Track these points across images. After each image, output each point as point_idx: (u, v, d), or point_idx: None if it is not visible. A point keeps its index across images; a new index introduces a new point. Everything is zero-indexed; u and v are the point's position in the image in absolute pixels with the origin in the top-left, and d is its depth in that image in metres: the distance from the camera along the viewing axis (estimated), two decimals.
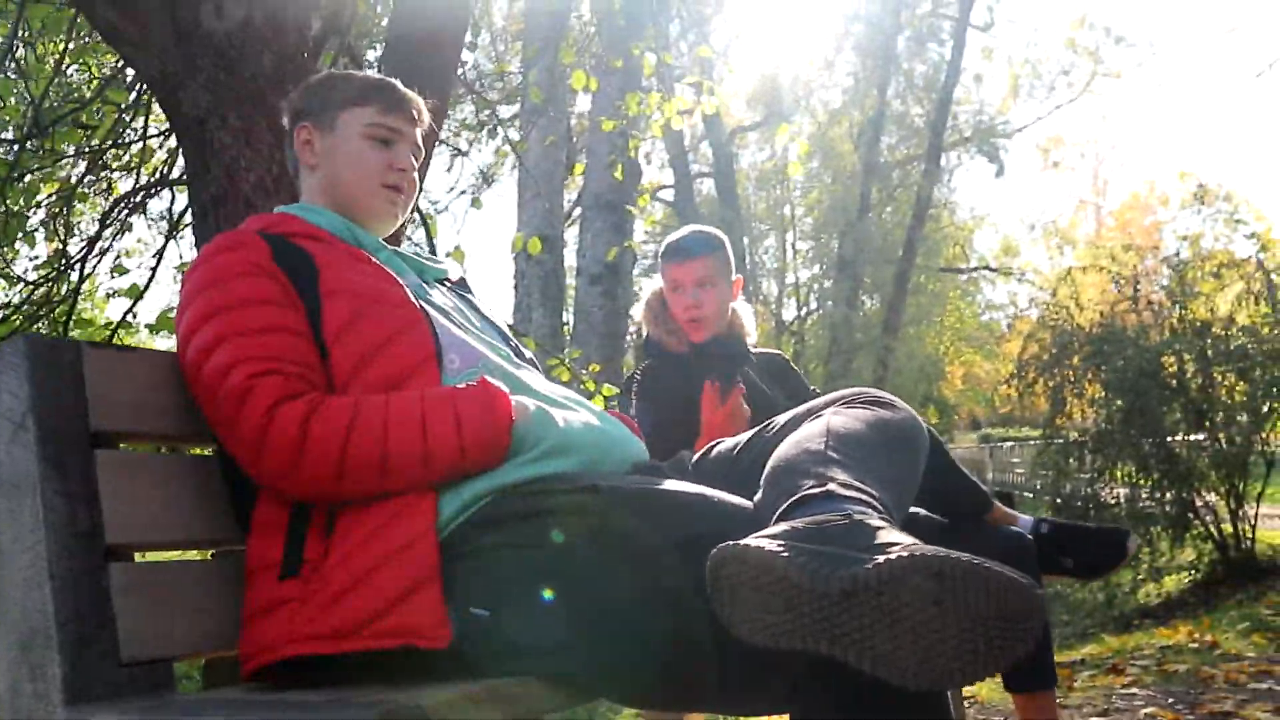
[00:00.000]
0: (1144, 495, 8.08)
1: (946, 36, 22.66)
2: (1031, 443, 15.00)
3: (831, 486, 1.40)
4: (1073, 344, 8.66)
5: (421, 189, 2.20)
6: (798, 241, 29.66)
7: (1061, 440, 8.91)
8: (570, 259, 14.57)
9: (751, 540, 1.28)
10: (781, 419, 1.76)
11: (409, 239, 4.41)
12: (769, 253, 30.00)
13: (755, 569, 1.25)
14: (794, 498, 1.40)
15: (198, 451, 1.90)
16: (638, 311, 3.16)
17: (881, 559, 1.20)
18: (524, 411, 1.65)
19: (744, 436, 1.84)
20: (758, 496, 1.51)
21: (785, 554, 1.23)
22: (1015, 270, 26.82)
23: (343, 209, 1.91)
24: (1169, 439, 7.89)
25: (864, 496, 1.39)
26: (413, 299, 1.76)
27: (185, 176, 3.02)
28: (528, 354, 1.97)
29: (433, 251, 4.73)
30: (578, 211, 15.77)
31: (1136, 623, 7.41)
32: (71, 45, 4.22)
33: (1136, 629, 6.88)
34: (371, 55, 5.80)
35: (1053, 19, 41.50)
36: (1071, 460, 8.72)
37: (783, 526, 1.32)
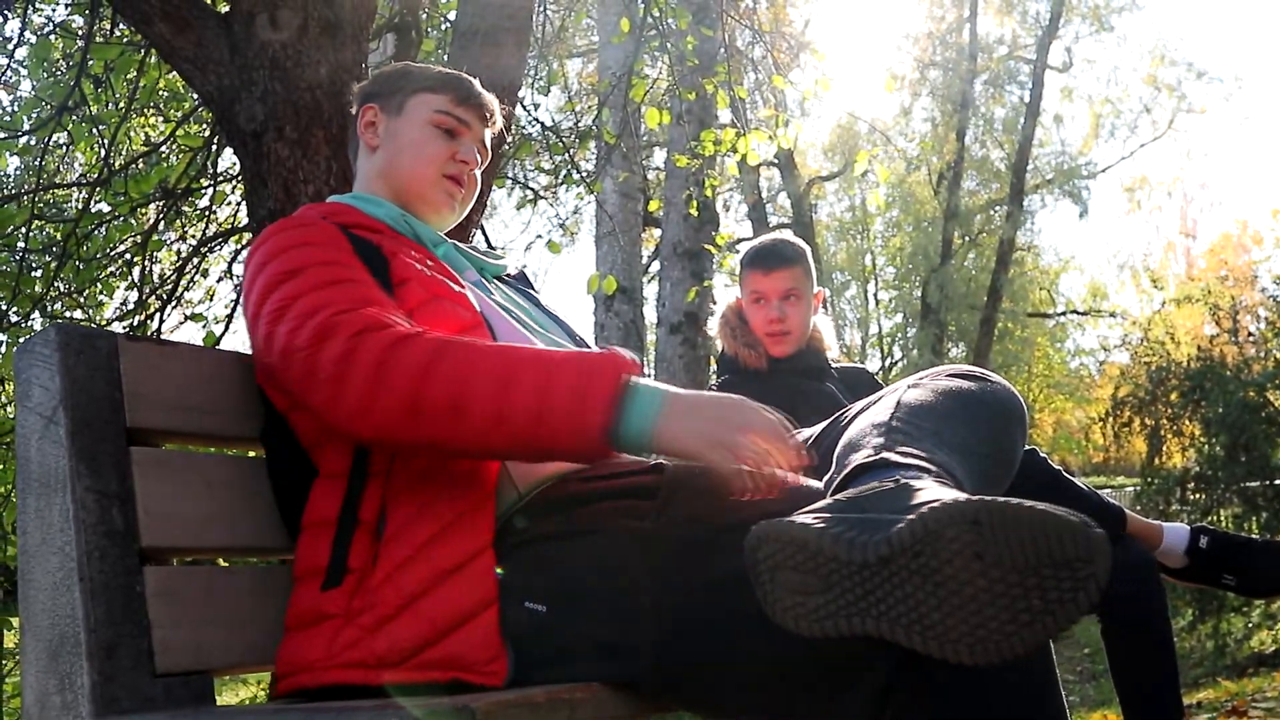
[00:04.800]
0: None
1: (1025, 79, 22.40)
2: (1128, 489, 14.55)
3: (887, 455, 1.26)
4: (1169, 380, 8.36)
5: (489, 200, 2.09)
6: (880, 291, 29.29)
7: (1161, 481, 8.54)
8: (650, 314, 14.53)
9: (794, 516, 1.15)
10: (859, 404, 1.62)
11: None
12: (850, 303, 29.62)
13: (791, 546, 1.12)
14: (847, 471, 1.27)
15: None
16: (713, 327, 3.03)
17: (914, 515, 1.06)
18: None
19: (820, 426, 1.71)
20: (826, 477, 1.38)
21: (820, 525, 1.11)
22: (1105, 311, 26.13)
23: (398, 196, 1.81)
24: (1277, 479, 7.52)
25: (921, 462, 1.25)
26: (472, 300, 1.64)
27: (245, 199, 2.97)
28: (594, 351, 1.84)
29: None
30: (655, 267, 15.76)
31: (1252, 671, 7.03)
32: (143, 84, 4.24)
33: (1254, 677, 6.52)
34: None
35: (1132, 56, 40.66)
36: (1173, 503, 8.36)
37: (828, 500, 1.19)
